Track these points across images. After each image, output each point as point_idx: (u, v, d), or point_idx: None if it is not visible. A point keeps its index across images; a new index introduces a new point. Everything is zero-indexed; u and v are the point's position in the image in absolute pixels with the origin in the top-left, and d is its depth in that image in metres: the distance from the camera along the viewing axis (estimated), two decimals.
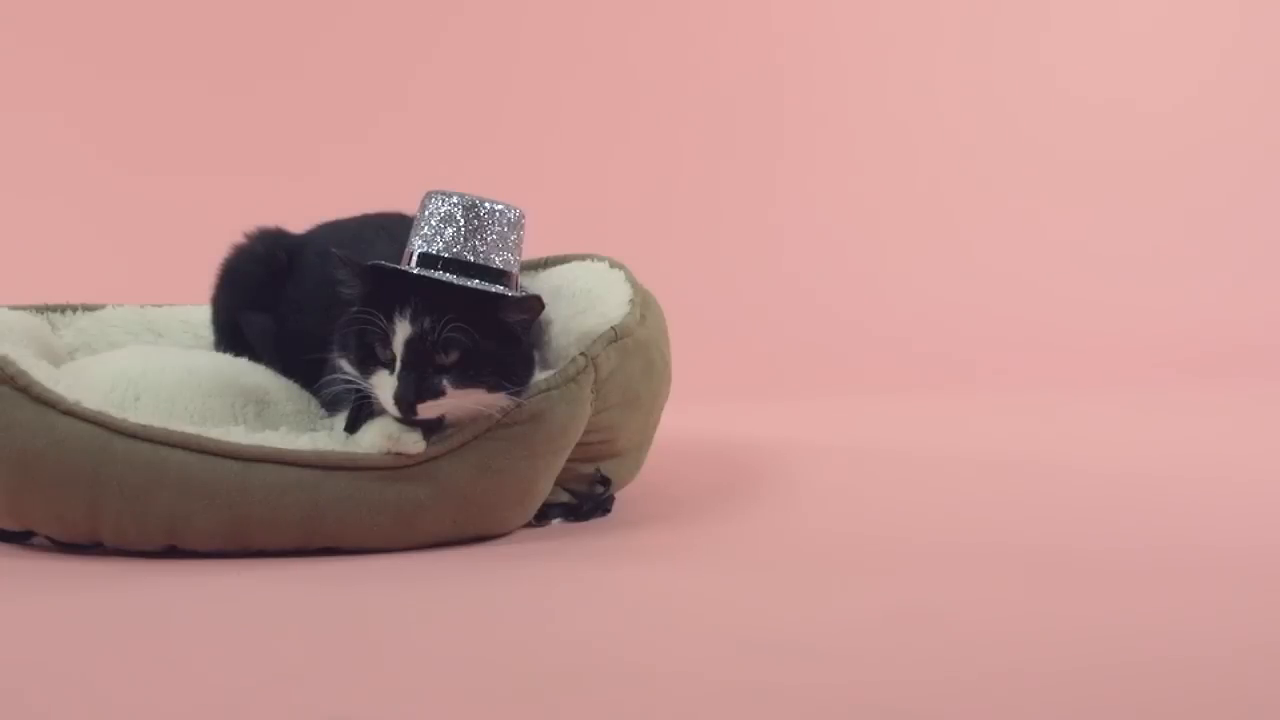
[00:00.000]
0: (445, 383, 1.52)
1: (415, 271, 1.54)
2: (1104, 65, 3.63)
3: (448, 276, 1.53)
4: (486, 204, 1.57)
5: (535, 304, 1.56)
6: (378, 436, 1.55)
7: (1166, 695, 1.12)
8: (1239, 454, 2.25)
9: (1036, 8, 3.63)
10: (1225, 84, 3.69)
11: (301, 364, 1.74)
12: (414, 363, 1.52)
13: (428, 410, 1.53)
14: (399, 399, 1.52)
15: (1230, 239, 3.55)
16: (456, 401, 1.54)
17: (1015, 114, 3.58)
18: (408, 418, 1.53)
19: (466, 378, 1.53)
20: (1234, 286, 3.45)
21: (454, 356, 1.52)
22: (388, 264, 1.55)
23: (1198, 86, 3.68)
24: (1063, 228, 3.51)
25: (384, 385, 1.53)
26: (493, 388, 1.55)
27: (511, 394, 1.57)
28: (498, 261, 1.56)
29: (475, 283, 1.53)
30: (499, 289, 1.54)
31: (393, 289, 1.52)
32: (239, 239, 1.90)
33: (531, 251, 1.79)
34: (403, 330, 1.51)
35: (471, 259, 1.55)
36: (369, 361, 1.55)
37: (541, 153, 3.27)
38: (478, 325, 1.52)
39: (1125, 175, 3.58)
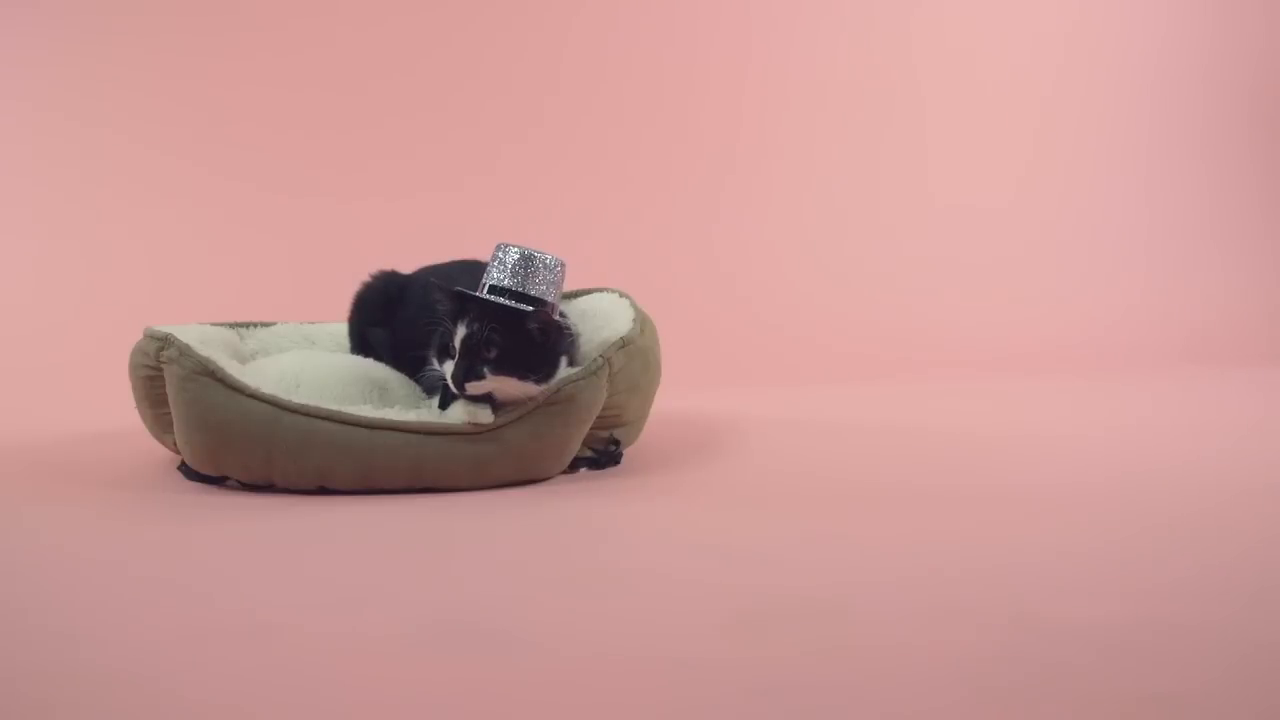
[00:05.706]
0: (486, 370, 1.52)
1: (473, 294, 1.54)
2: (955, 178, 3.64)
3: (497, 299, 1.53)
4: (538, 254, 1.58)
5: (546, 317, 1.54)
6: (461, 411, 1.56)
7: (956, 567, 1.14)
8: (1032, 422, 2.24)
9: (916, 142, 3.64)
10: (1028, 190, 3.72)
11: (408, 362, 1.74)
12: (466, 354, 1.52)
13: (473, 389, 1.53)
14: (454, 378, 1.52)
15: (1030, 278, 3.56)
16: (494, 384, 1.54)
17: (898, 213, 3.60)
18: (460, 392, 1.53)
19: (501, 368, 1.53)
20: (1034, 308, 3.48)
21: (494, 352, 1.52)
22: (463, 290, 1.56)
23: (1014, 187, 3.70)
24: (935, 271, 3.51)
25: (448, 370, 1.54)
26: (521, 377, 1.55)
27: (536, 382, 1.56)
28: (538, 293, 1.56)
29: (510, 302, 1.53)
30: (525, 307, 1.53)
31: (462, 307, 1.54)
32: (366, 278, 1.90)
33: (571, 285, 1.79)
34: (461, 332, 1.52)
35: (524, 290, 1.56)
36: (443, 354, 1.56)
37: (583, 217, 3.25)
38: (510, 331, 1.52)
39: (967, 247, 3.60)
